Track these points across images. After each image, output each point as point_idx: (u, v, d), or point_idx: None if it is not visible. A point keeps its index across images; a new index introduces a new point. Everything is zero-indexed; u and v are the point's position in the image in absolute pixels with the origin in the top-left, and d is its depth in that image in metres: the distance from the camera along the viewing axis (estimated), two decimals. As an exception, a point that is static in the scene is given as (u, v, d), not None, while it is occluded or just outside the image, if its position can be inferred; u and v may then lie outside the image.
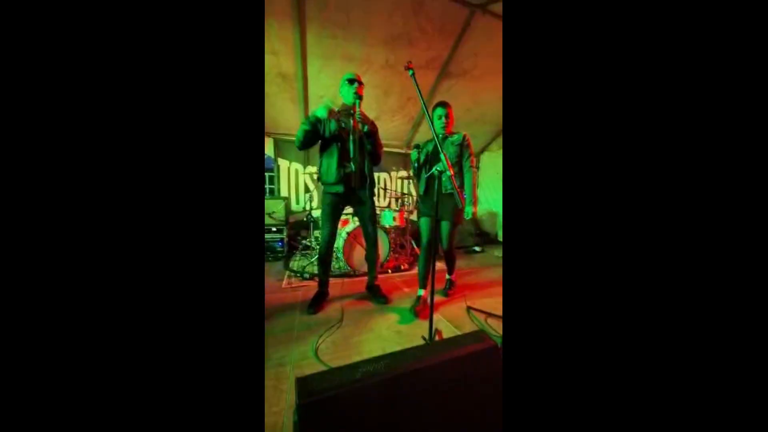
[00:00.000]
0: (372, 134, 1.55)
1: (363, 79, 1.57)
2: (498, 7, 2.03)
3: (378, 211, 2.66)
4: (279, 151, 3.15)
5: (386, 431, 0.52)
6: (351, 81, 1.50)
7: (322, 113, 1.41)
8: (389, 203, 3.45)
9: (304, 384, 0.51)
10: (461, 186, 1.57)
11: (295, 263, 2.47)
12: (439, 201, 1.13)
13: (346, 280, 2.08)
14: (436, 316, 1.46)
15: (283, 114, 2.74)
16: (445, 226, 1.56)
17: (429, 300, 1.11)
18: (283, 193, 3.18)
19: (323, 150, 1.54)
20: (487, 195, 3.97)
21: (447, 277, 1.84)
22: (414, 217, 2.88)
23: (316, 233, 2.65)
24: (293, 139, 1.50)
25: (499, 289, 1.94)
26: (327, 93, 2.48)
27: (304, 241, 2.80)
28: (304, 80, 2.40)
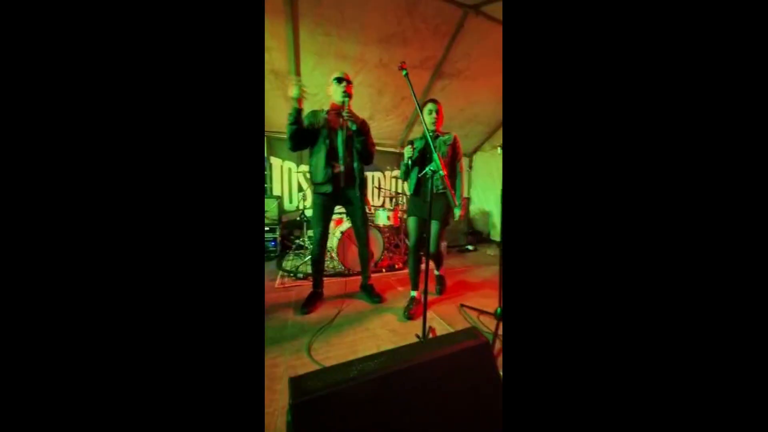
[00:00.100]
0: (362, 133, 1.53)
1: (357, 78, 1.57)
2: (491, 9, 2.05)
3: (372, 210, 2.67)
4: (271, 149, 3.10)
5: (381, 429, 0.52)
6: (339, 80, 1.48)
7: (296, 93, 1.33)
8: (383, 202, 3.46)
9: (297, 384, 0.51)
10: (453, 186, 1.58)
11: (288, 263, 2.44)
12: (431, 201, 1.13)
13: (342, 279, 2.07)
14: (429, 314, 1.47)
15: (276, 111, 2.70)
16: (434, 225, 1.55)
17: (422, 298, 1.12)
18: (276, 192, 3.14)
19: (312, 149, 1.52)
20: (480, 194, 4.03)
21: (436, 273, 1.84)
22: (408, 216, 2.89)
23: (310, 233, 2.62)
24: (285, 137, 1.47)
25: (492, 287, 1.97)
26: (321, 91, 2.45)
27: (297, 241, 2.78)
28: (297, 77, 2.38)
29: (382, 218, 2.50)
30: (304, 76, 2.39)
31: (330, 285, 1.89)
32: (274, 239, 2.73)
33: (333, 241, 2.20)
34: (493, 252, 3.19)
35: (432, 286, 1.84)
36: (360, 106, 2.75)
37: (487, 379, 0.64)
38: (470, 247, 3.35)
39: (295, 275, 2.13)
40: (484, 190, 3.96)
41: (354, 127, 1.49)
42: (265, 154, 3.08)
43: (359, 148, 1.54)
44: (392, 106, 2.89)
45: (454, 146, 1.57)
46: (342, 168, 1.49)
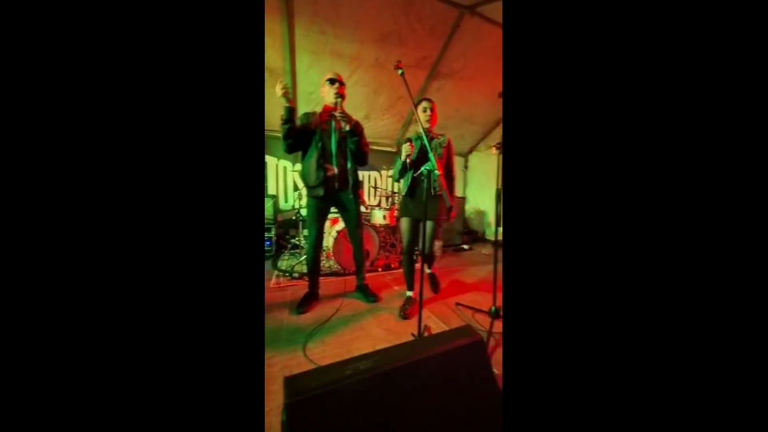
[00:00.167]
0: (356, 133, 1.52)
1: (353, 77, 1.56)
2: (486, 10, 2.06)
3: (368, 210, 2.66)
4: (266, 147, 3.07)
5: (376, 427, 0.53)
6: (332, 81, 1.47)
7: (278, 92, 1.32)
8: (379, 202, 3.45)
9: (292, 383, 0.51)
10: (448, 187, 1.59)
11: (284, 263, 2.43)
12: (427, 201, 1.14)
13: (337, 279, 2.07)
14: (425, 313, 1.48)
15: (270, 109, 2.68)
16: (430, 225, 1.54)
17: (418, 298, 1.13)
18: (271, 191, 3.11)
19: (304, 150, 1.51)
20: (475, 194, 4.06)
21: (427, 271, 1.82)
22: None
23: (305, 232, 2.62)
24: (281, 135, 1.46)
25: (487, 286, 2.00)
26: (317, 89, 2.43)
27: (292, 240, 2.76)
28: (292, 75, 2.35)
29: (378, 218, 2.50)
30: (300, 74, 2.37)
31: (326, 285, 1.88)
32: (270, 239, 2.70)
33: (329, 241, 2.19)
34: (488, 251, 3.22)
35: (425, 285, 1.85)
36: (356, 106, 2.74)
37: (481, 375, 0.65)
38: (465, 247, 3.38)
39: (290, 275, 2.11)
40: (479, 189, 3.99)
41: (347, 128, 1.48)
42: (260, 153, 3.05)
43: (353, 148, 1.52)
44: (388, 105, 2.89)
45: (448, 148, 1.58)
46: (335, 170, 1.48)
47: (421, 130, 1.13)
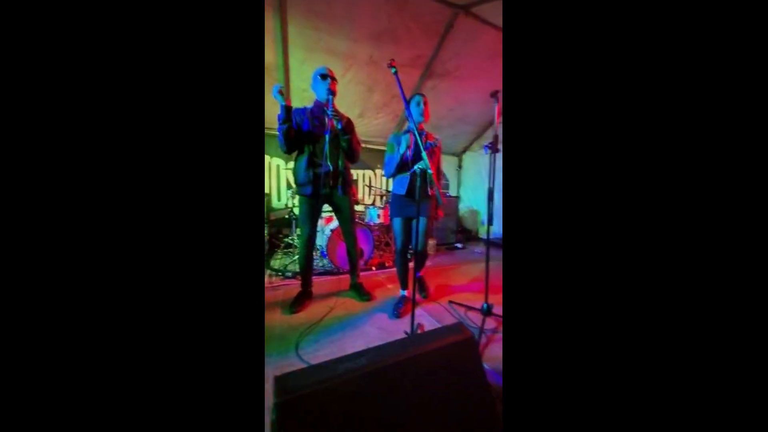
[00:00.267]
0: (347, 131, 1.51)
1: (348, 75, 1.55)
2: (480, 10, 2.08)
3: (362, 208, 2.65)
4: (259, 145, 3.02)
5: (367, 425, 0.53)
6: (323, 76, 1.44)
7: (276, 96, 1.33)
8: (374, 201, 3.45)
9: (282, 382, 0.50)
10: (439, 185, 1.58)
11: (277, 262, 2.40)
12: (420, 201, 1.14)
13: (331, 278, 2.06)
14: (418, 311, 1.49)
15: (266, 107, 2.64)
16: (423, 222, 1.52)
17: (411, 297, 1.13)
18: (264, 189, 3.07)
19: (299, 149, 1.49)
20: (469, 194, 4.10)
21: (417, 275, 1.68)
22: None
23: (299, 231, 2.59)
24: (274, 132, 1.43)
25: (480, 284, 2.02)
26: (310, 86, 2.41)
27: (285, 240, 2.73)
28: (285, 72, 2.32)
29: (372, 217, 2.50)
30: (293, 71, 2.34)
31: (319, 284, 1.87)
32: (262, 238, 2.67)
33: (322, 239, 2.18)
34: (481, 249, 3.26)
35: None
36: (350, 104, 2.72)
37: (472, 372, 0.65)
38: (459, 245, 3.41)
39: (283, 274, 2.09)
40: (472, 189, 4.03)
41: (339, 126, 1.46)
42: (252, 151, 3.00)
43: (345, 147, 1.51)
44: (383, 104, 2.88)
45: (438, 149, 1.58)
46: (329, 168, 1.47)
47: (413, 126, 1.12)
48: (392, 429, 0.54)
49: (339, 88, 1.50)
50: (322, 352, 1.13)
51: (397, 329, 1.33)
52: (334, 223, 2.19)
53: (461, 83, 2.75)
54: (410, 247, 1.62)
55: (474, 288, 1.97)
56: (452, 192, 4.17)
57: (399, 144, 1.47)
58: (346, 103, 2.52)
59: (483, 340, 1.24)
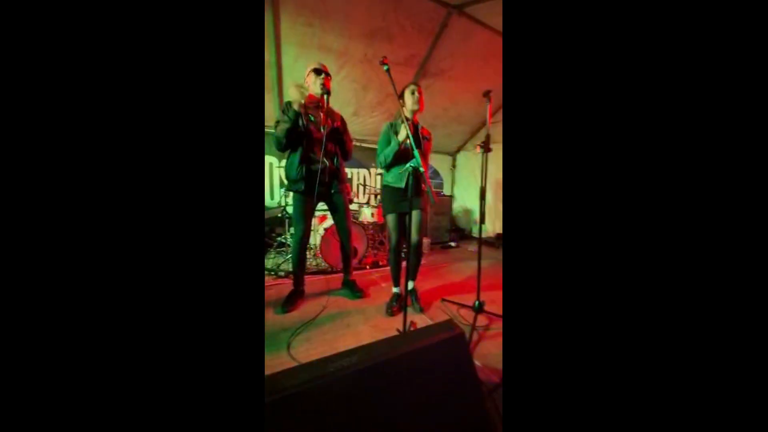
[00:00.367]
0: (340, 129, 1.50)
1: (342, 73, 1.53)
2: (474, 10, 2.09)
3: (357, 207, 2.64)
4: (251, 143, 2.97)
5: (358, 422, 0.53)
6: (317, 71, 1.42)
7: (295, 96, 1.32)
8: (368, 200, 3.44)
9: (272, 381, 0.50)
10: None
11: (269, 261, 2.37)
12: (412, 197, 1.14)
13: (324, 277, 2.05)
14: (410, 309, 1.50)
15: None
16: (416, 214, 1.47)
17: (403, 294, 1.14)
18: (256, 187, 3.02)
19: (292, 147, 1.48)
20: (462, 193, 4.14)
21: (411, 287, 1.56)
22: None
23: (292, 230, 2.57)
24: (269, 130, 1.42)
25: (473, 282, 2.04)
26: (304, 84, 2.38)
27: (278, 239, 2.70)
28: (278, 68, 2.29)
29: (367, 215, 2.50)
30: (286, 68, 2.31)
31: (312, 283, 1.86)
32: (254, 236, 2.63)
33: (316, 238, 2.16)
34: (474, 248, 3.30)
35: (408, 300, 1.72)
36: (345, 102, 2.70)
37: (462, 368, 0.66)
38: (453, 244, 3.44)
39: (275, 273, 2.07)
40: (466, 188, 4.07)
41: (333, 124, 1.46)
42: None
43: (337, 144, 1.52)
44: (377, 102, 2.87)
45: (429, 143, 1.57)
46: (320, 166, 1.46)
47: (406, 130, 1.11)
48: (383, 426, 0.54)
49: (333, 85, 1.49)
50: (314, 351, 1.12)
51: (390, 327, 1.33)
52: (328, 222, 2.18)
53: (455, 83, 2.76)
54: (404, 246, 1.62)
55: (467, 286, 1.99)
56: (446, 191, 4.20)
57: (397, 133, 1.42)
58: (340, 101, 2.49)
59: (475, 337, 1.26)
